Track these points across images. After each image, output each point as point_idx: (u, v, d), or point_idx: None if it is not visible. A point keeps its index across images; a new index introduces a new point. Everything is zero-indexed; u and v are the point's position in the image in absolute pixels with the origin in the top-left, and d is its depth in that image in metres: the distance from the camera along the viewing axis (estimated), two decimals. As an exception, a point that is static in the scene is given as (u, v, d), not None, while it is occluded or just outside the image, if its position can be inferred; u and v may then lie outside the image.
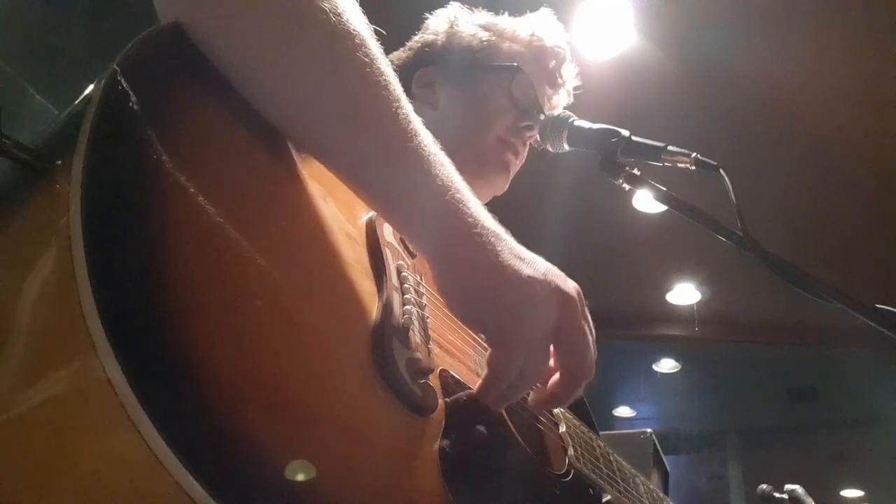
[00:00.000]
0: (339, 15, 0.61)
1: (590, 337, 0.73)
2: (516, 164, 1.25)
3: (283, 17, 0.59)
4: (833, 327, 5.47)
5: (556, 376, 0.75)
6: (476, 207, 0.67)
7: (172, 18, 0.59)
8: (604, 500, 0.94)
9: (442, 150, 0.68)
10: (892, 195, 4.18)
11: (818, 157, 3.98)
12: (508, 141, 1.20)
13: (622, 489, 1.01)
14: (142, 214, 0.46)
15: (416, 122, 0.65)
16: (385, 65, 0.65)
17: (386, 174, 0.63)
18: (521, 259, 0.67)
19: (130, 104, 0.48)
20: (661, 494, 1.19)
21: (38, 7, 2.89)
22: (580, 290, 0.73)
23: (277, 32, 0.59)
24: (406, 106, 0.65)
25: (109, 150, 0.45)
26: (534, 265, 0.68)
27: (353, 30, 0.62)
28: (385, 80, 0.63)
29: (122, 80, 0.48)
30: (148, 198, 0.47)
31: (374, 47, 0.64)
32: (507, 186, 1.26)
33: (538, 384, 0.78)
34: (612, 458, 1.04)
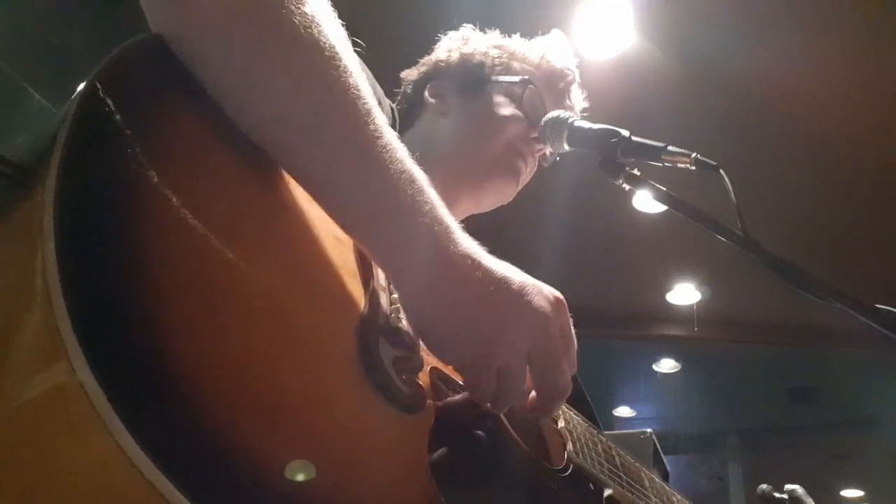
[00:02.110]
0: (308, 27, 0.61)
1: (563, 358, 0.71)
2: (525, 173, 1.25)
3: (254, 30, 0.59)
4: (833, 327, 5.47)
5: (533, 393, 0.75)
6: (445, 230, 0.65)
7: (160, 29, 0.60)
8: (605, 494, 0.93)
9: (417, 163, 0.66)
10: (892, 195, 4.18)
11: (817, 157, 3.97)
12: (518, 148, 1.20)
13: (625, 483, 1.00)
14: (116, 223, 0.46)
15: (388, 136, 0.64)
16: (359, 79, 0.64)
17: (347, 194, 0.62)
18: (494, 282, 0.66)
19: (108, 116, 0.49)
20: (669, 489, 1.19)
21: (38, 7, 2.90)
22: (561, 297, 0.72)
23: (248, 44, 0.59)
24: (378, 120, 0.63)
25: (84, 161, 0.46)
26: (506, 287, 0.67)
27: (324, 42, 0.62)
28: (355, 93, 0.62)
29: (101, 92, 0.49)
30: (123, 206, 0.47)
31: (348, 60, 0.63)
32: (514, 196, 1.26)
33: None
34: (614, 454, 1.03)
